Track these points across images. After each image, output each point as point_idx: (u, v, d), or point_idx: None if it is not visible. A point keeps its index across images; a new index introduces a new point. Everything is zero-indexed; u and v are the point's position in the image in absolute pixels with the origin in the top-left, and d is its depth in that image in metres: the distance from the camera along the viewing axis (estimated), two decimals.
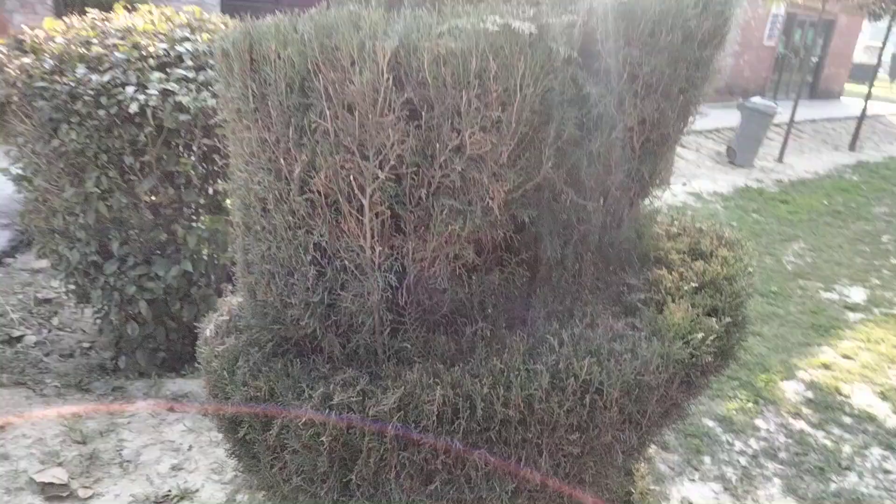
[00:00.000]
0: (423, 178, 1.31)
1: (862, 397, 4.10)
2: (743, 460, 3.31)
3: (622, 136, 1.45)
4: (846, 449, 3.57)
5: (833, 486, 3.23)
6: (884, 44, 13.88)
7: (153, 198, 3.00)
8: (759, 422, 3.64)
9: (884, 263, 6.75)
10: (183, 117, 2.80)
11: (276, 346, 1.59)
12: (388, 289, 1.42)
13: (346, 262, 1.41)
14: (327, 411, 1.35)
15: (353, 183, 1.32)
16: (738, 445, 3.42)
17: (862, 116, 13.38)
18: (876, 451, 3.57)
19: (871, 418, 3.89)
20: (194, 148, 2.97)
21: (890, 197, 9.97)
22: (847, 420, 3.85)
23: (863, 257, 6.91)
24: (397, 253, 1.40)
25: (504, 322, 1.56)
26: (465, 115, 1.25)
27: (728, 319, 1.51)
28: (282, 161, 1.39)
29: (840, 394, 4.08)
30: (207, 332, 1.76)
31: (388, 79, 1.23)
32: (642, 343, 1.41)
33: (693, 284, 1.63)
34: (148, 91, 2.76)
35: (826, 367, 4.38)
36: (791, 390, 4.04)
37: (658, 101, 1.45)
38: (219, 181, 3.07)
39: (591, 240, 1.64)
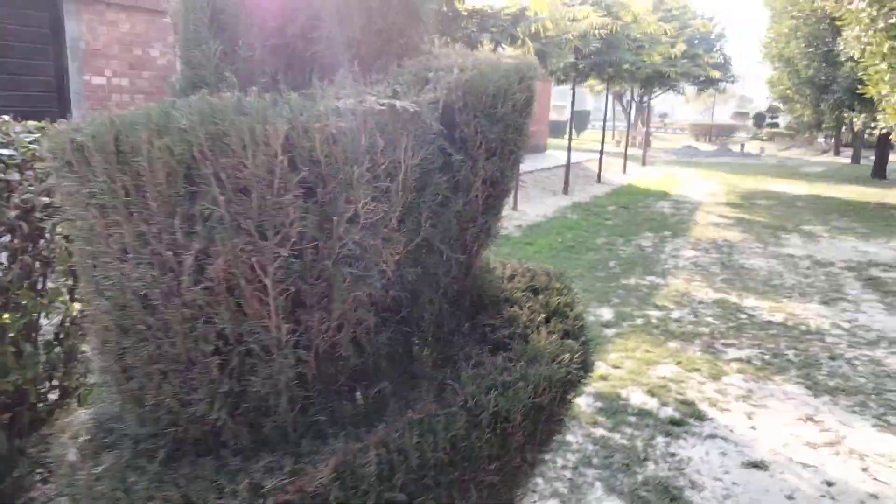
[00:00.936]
0: (322, 250, 1.37)
1: (637, 397, 4.83)
2: (567, 473, 3.70)
3: (476, 194, 1.67)
4: (638, 443, 4.18)
5: (640, 478, 3.76)
6: (572, 104, 16.71)
7: None
8: (569, 437, 4.09)
9: (617, 284, 8.04)
10: None
11: (171, 452, 1.47)
12: (297, 364, 1.42)
13: (252, 346, 1.39)
14: (261, 501, 1.30)
15: (255, 264, 1.33)
16: (560, 461, 3.81)
17: (568, 165, 15.85)
18: (660, 440, 4.24)
19: (648, 413, 4.61)
20: None
21: (605, 229, 11.91)
22: (632, 419, 4.50)
23: (601, 282, 8.14)
24: (303, 327, 1.42)
25: (398, 377, 1.64)
26: (358, 188, 1.35)
27: (582, 338, 1.79)
28: (168, 253, 1.34)
29: (620, 398, 4.77)
30: (71, 457, 1.54)
31: (283, 160, 1.28)
32: (527, 371, 1.60)
33: (543, 315, 1.88)
34: None
35: (603, 378, 5.08)
36: (584, 404, 4.61)
37: (499, 163, 1.71)
38: None
39: (451, 289, 1.82)
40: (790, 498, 3.70)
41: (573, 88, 16.31)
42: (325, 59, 1.62)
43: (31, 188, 2.70)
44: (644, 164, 26.79)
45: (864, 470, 4.03)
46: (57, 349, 3.12)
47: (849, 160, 31.36)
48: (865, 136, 28.60)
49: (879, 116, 11.50)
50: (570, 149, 15.82)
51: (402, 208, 1.44)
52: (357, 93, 1.36)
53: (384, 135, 1.33)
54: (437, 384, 1.59)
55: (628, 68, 16.56)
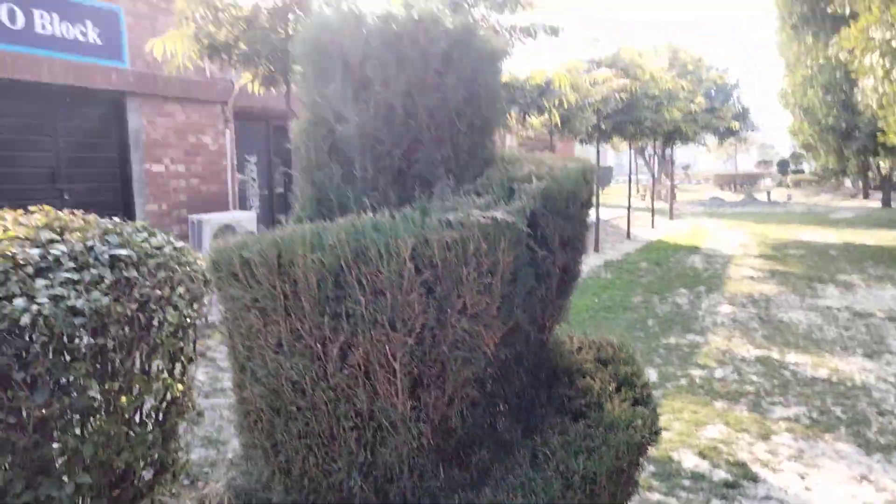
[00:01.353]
0: (438, 337, 1.67)
1: (688, 460, 4.95)
2: None
3: (555, 281, 1.96)
4: None
5: None
6: (598, 162, 17.18)
7: (43, 411, 2.80)
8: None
9: (658, 344, 8.16)
10: (78, 320, 2.76)
11: None
12: (418, 437, 1.70)
13: (382, 421, 1.67)
14: None
15: (388, 351, 1.63)
16: None
17: (597, 223, 16.12)
18: (715, 502, 4.35)
19: (701, 476, 4.72)
20: (84, 350, 2.89)
21: (639, 287, 12.06)
22: (686, 482, 4.62)
23: (641, 342, 8.27)
24: (422, 404, 1.70)
25: (494, 445, 1.91)
26: (466, 284, 1.66)
27: (651, 405, 2.04)
28: (318, 346, 1.65)
29: (672, 461, 4.88)
30: None
31: (410, 266, 1.60)
32: (607, 436, 1.86)
33: (613, 385, 2.14)
34: (37, 300, 2.69)
35: None
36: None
37: (571, 253, 2.01)
38: (115, 380, 2.99)
39: (531, 364, 2.09)
40: None
41: (597, 148, 16.78)
42: (424, 174, 1.96)
43: (147, 283, 3.06)
44: (671, 217, 26.97)
45: None
46: (157, 429, 3.43)
47: (879, 204, 31.15)
48: (894, 178, 28.47)
49: None
50: (598, 206, 16.14)
51: (500, 299, 1.74)
52: (462, 205, 1.69)
53: (486, 240, 1.64)
54: (529, 451, 1.85)
55: (649, 125, 17.03)
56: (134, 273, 3.08)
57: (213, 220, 9.30)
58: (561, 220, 1.92)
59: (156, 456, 3.46)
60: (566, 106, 10.83)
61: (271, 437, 1.77)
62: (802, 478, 4.76)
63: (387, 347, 1.63)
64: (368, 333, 1.61)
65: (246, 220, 10.07)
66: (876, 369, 7.36)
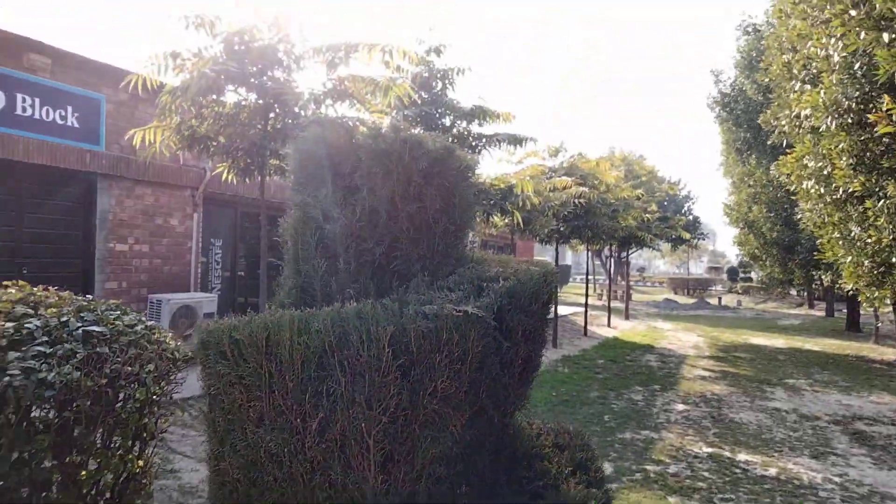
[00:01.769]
0: (410, 417, 1.84)
1: None
2: None
3: (517, 370, 2.17)
4: None
5: None
6: (556, 262, 17.73)
7: (2, 482, 2.79)
8: None
9: (614, 438, 8.29)
10: (48, 393, 2.81)
11: None
12: None
13: (354, 493, 1.80)
14: None
15: (364, 428, 1.78)
16: None
17: (556, 319, 16.46)
18: None
19: None
20: (49, 422, 2.92)
21: (596, 382, 12.25)
22: None
23: (597, 436, 8.38)
24: (392, 478, 1.84)
25: None
26: (438, 369, 1.85)
27: (604, 488, 2.21)
28: (297, 421, 1.80)
29: None
30: None
31: (389, 351, 1.79)
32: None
33: (568, 469, 2.31)
34: (9, 371, 2.75)
35: None
36: None
37: (532, 345, 2.23)
38: (76, 454, 3.00)
39: (492, 447, 2.25)
40: None
41: (556, 249, 17.41)
42: (402, 270, 2.19)
43: (119, 359, 3.15)
44: (627, 317, 27.60)
45: None
46: None
47: (823, 313, 32.49)
48: (836, 290, 29.91)
49: (840, 278, 12.45)
50: (556, 303, 16.55)
51: (468, 384, 1.92)
52: (436, 299, 1.91)
53: (458, 331, 1.85)
54: None
55: (605, 231, 17.83)
56: (106, 349, 3.17)
57: (172, 300, 9.29)
58: (524, 315, 2.14)
59: None
60: (528, 208, 11.38)
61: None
62: None
63: (363, 425, 1.79)
64: (346, 411, 1.77)
65: (206, 301, 10.07)
66: (822, 470, 7.60)
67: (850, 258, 9.56)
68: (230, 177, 7.55)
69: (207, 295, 10.35)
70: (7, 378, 2.73)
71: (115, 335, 3.27)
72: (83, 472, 3.09)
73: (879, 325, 22.26)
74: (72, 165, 8.71)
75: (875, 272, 9.21)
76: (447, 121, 8.65)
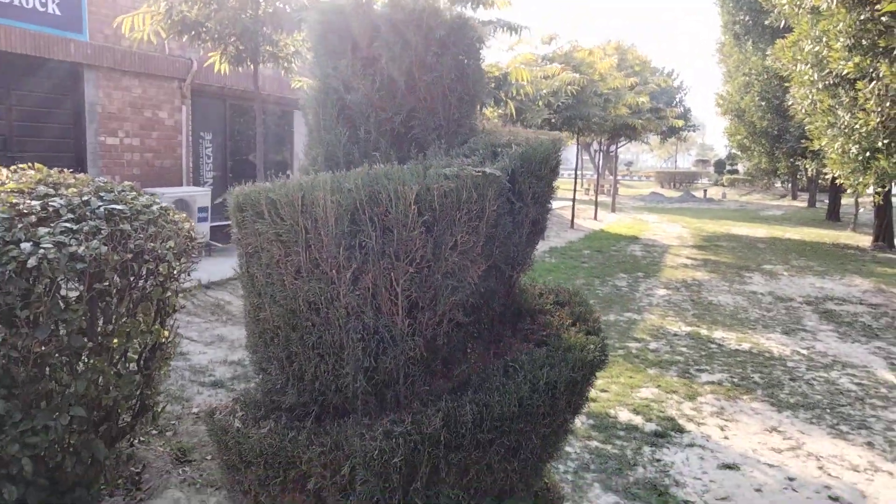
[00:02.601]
0: (433, 268, 2.04)
1: (624, 415, 5.49)
2: (569, 477, 4.31)
3: (527, 230, 2.36)
4: (628, 452, 4.83)
5: (631, 479, 4.40)
6: None
7: (43, 348, 3.03)
8: (568, 448, 4.69)
9: None
10: (79, 266, 3.00)
11: (318, 416, 2.10)
12: (412, 349, 2.07)
13: (385, 334, 2.04)
14: (393, 440, 1.93)
15: (392, 278, 1.99)
16: (562, 468, 4.42)
17: None
18: (647, 449, 4.89)
19: (635, 428, 5.26)
20: (83, 294, 3.12)
21: (582, 271, 12.70)
22: (621, 433, 5.15)
23: None
24: (417, 322, 2.07)
25: (470, 361, 2.30)
26: (458, 225, 2.04)
27: (601, 335, 2.47)
28: (332, 272, 2.00)
29: (609, 416, 5.42)
30: (236, 423, 2.15)
31: (414, 209, 1.96)
32: (566, 355, 2.27)
33: (569, 321, 2.56)
34: (43, 245, 2.91)
35: (593, 400, 5.73)
36: (578, 422, 5.24)
37: (540, 208, 2.41)
38: (108, 324, 3.23)
39: (501, 301, 2.49)
40: (758, 490, 4.37)
41: None
42: (419, 138, 2.32)
43: (140, 236, 3.31)
44: (614, 210, 28.03)
45: (820, 468, 4.73)
46: (142, 372, 3.68)
47: (805, 204, 33.14)
48: (819, 181, 30.30)
49: (825, 166, 12.69)
50: None
51: (484, 239, 2.12)
52: (455, 163, 2.06)
53: (476, 190, 2.02)
54: (501, 366, 2.24)
55: (597, 122, 17.72)
56: (128, 226, 3.33)
57: (166, 194, 9.34)
58: (534, 179, 2.31)
59: (138, 397, 3.71)
60: (521, 97, 11.28)
61: (286, 349, 2.10)
62: (722, 429, 5.38)
63: (391, 274, 1.99)
64: (377, 262, 1.97)
65: (200, 195, 10.14)
66: (791, 344, 8.15)
67: (837, 144, 9.75)
68: (222, 66, 7.42)
69: (201, 189, 10.41)
70: (41, 251, 2.90)
71: (134, 214, 3.42)
72: (114, 341, 3.34)
73: (858, 212, 22.74)
74: (56, 55, 8.48)
75: (860, 158, 9.43)
76: (442, 2, 8.39)
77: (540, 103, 13.49)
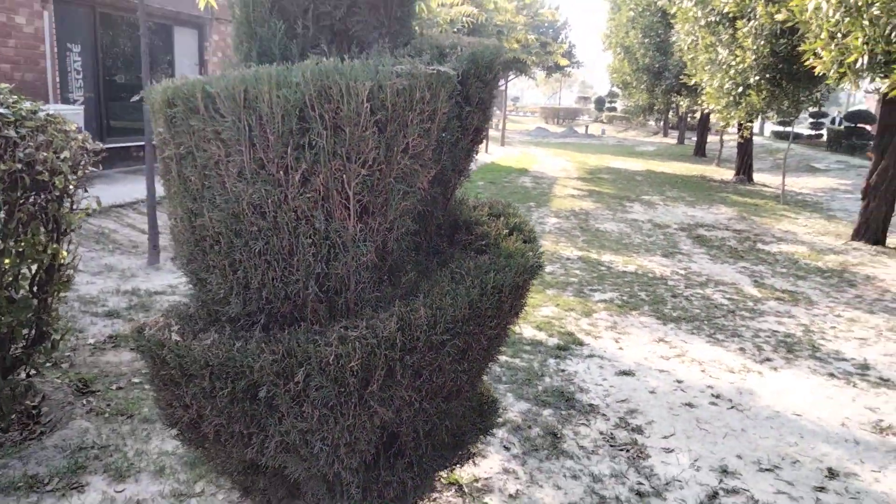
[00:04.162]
0: (385, 171, 1.98)
1: (528, 332, 5.75)
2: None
3: (471, 136, 2.34)
4: (535, 364, 5.08)
5: (540, 388, 4.64)
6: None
7: None
8: None
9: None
10: None
11: (266, 324, 2.02)
12: (363, 255, 2.02)
13: (336, 240, 1.97)
14: (349, 345, 1.90)
15: (344, 180, 1.91)
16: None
17: None
18: (551, 361, 5.17)
19: (539, 343, 5.54)
20: None
21: None
22: (527, 347, 5.40)
23: None
24: (367, 228, 2.01)
25: (416, 268, 2.29)
26: (410, 126, 1.97)
27: (537, 243, 2.53)
28: (280, 173, 1.88)
29: (515, 333, 5.65)
30: (174, 337, 2.03)
31: (367, 106, 1.87)
32: (509, 261, 2.31)
33: (505, 231, 2.60)
34: None
35: None
36: None
37: (483, 115, 2.38)
38: None
39: (441, 211, 2.48)
40: (652, 392, 4.77)
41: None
42: (360, 36, 2.20)
43: (31, 144, 2.96)
44: (503, 144, 28.50)
45: (703, 371, 5.22)
46: (39, 295, 3.37)
47: (675, 141, 35.36)
48: (688, 119, 32.27)
49: (701, 100, 13.49)
50: None
51: (435, 143, 2.07)
52: (409, 62, 1.98)
53: (430, 90, 1.95)
54: (447, 273, 2.25)
55: None
56: (13, 132, 2.97)
57: None
58: (481, 84, 2.27)
59: (34, 324, 3.42)
60: (418, 20, 10.97)
61: (229, 257, 1.98)
62: (616, 341, 5.79)
63: (343, 176, 1.91)
64: (328, 163, 1.88)
65: (71, 114, 9.19)
66: (671, 265, 8.82)
67: (714, 80, 10.40)
68: None
69: (71, 107, 9.41)
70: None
71: (19, 119, 3.04)
72: (6, 260, 3.02)
73: (722, 149, 24.53)
74: None
75: (734, 93, 10.14)
76: None
77: (434, 30, 13.22)
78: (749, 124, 11.59)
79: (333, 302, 2.07)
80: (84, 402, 3.80)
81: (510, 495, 3.37)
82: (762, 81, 9.44)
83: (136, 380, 4.27)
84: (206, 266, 2.07)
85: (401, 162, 2.00)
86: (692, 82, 11.59)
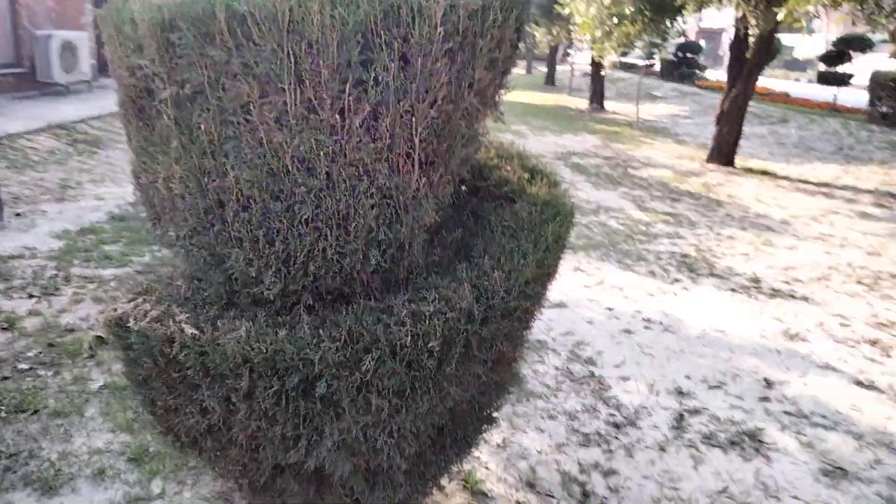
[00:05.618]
0: (451, 112, 1.64)
1: None
2: None
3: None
4: None
5: None
6: None
7: None
8: None
9: None
10: None
11: (311, 304, 1.66)
12: (426, 216, 1.70)
13: (399, 198, 1.62)
14: (426, 322, 1.60)
15: (412, 124, 1.55)
16: None
17: None
18: None
19: None
20: None
21: None
22: None
23: None
24: (428, 182, 1.68)
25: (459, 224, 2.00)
26: (479, 58, 1.64)
27: (562, 187, 2.32)
28: (336, 118, 1.48)
29: None
30: (187, 329, 1.60)
31: (440, 31, 1.51)
32: (557, 209, 2.08)
33: (527, 175, 2.35)
34: None
35: None
36: None
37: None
38: None
39: None
40: (590, 322, 4.86)
41: None
42: None
43: None
44: None
45: (626, 297, 5.41)
46: None
47: (524, 71, 36.13)
48: (535, 50, 32.98)
49: (573, 29, 13.70)
50: None
51: (500, 77, 1.76)
52: None
53: (503, 12, 1.62)
54: (496, 228, 1.97)
55: None
56: None
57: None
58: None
59: None
60: None
61: (264, 226, 1.57)
62: None
63: (412, 119, 1.55)
64: (396, 105, 1.51)
65: None
66: None
67: (591, 8, 10.52)
68: None
69: None
70: None
71: None
72: None
73: (572, 78, 25.45)
74: None
75: (608, 23, 10.35)
76: None
77: None
78: (620, 57, 12.04)
79: (389, 271, 1.73)
80: None
81: (498, 445, 3.27)
82: (636, 12, 9.72)
83: (22, 365, 3.56)
84: (226, 239, 1.62)
85: (466, 101, 1.67)
86: (566, 10, 11.68)
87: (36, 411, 3.17)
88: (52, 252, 5.25)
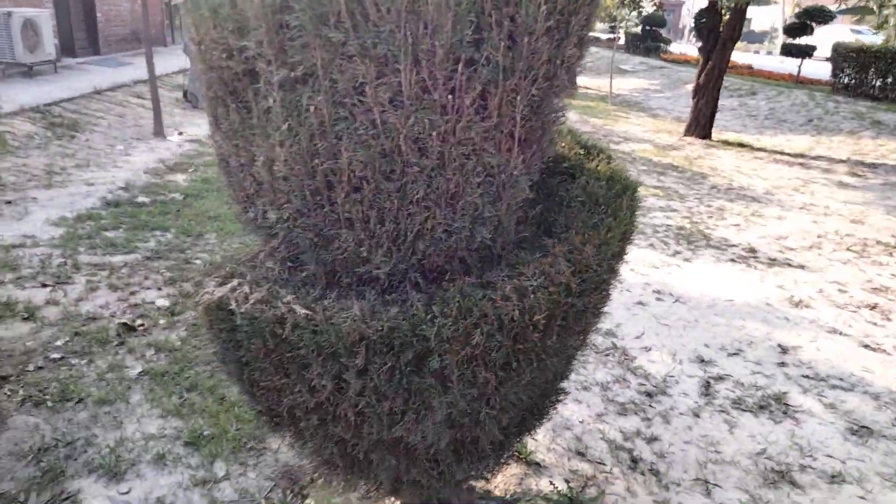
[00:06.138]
0: (547, 90, 1.67)
1: None
2: None
3: None
4: None
5: None
6: None
7: None
8: None
9: None
10: None
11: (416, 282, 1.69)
12: (522, 193, 1.73)
13: (501, 175, 1.65)
14: (532, 297, 1.65)
15: (517, 102, 1.58)
16: None
17: None
18: None
19: None
20: None
21: None
22: None
23: None
24: (524, 160, 1.72)
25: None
26: (572, 34, 1.67)
27: (617, 161, 2.37)
28: (447, 97, 1.51)
29: None
30: (298, 309, 1.62)
31: (544, 10, 1.54)
32: (624, 183, 2.13)
33: (582, 151, 2.39)
34: None
35: None
36: None
37: None
38: None
39: None
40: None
41: None
42: None
43: None
44: None
45: (633, 270, 5.51)
46: None
47: None
48: None
49: None
50: None
51: (583, 54, 1.79)
52: None
53: None
54: (577, 204, 2.01)
55: None
56: None
57: None
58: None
59: None
60: None
61: (376, 206, 1.59)
62: None
63: (517, 98, 1.58)
64: (505, 83, 1.54)
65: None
66: None
67: None
68: None
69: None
70: None
71: None
72: None
73: None
74: None
75: None
76: None
77: None
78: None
79: (487, 248, 1.77)
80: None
81: None
82: None
83: (54, 355, 3.52)
84: (334, 220, 1.64)
85: (560, 77, 1.70)
86: None
87: (81, 399, 3.14)
88: (54, 240, 5.14)
